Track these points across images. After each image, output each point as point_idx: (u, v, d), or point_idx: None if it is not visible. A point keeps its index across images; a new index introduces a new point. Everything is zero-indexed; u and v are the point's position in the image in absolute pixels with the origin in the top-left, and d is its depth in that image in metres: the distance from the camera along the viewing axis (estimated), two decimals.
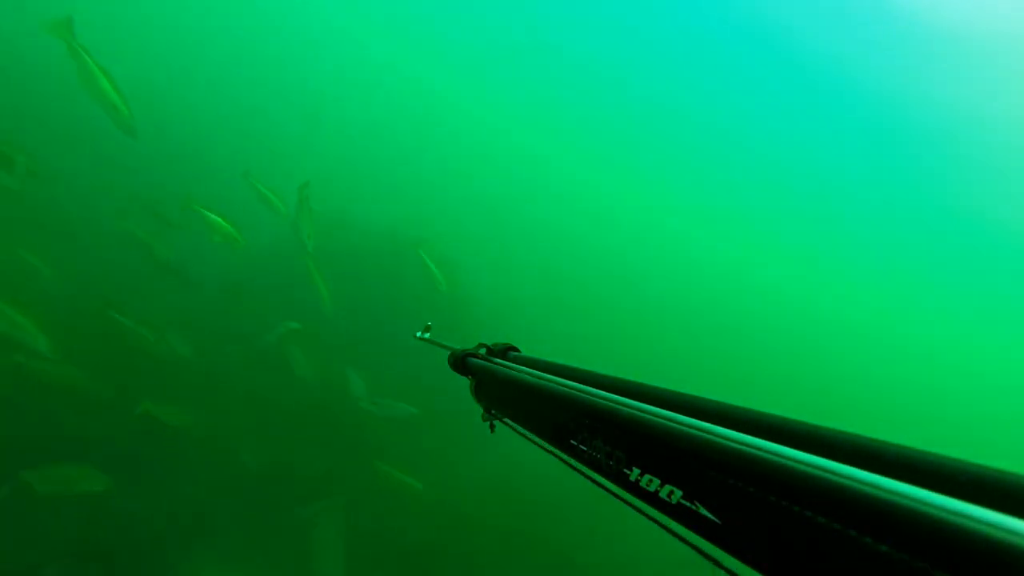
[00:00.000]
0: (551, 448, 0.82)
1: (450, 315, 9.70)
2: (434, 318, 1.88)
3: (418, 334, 1.66)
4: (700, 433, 0.53)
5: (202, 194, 7.28)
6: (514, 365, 1.05)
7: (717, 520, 0.47)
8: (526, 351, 1.21)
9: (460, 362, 1.21)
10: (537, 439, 0.87)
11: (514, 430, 1.00)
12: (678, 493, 0.52)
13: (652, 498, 0.56)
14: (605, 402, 0.70)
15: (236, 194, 8.09)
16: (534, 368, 0.98)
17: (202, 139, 12.24)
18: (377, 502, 6.60)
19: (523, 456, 7.03)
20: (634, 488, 0.59)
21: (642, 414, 0.62)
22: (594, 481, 0.72)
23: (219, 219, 6.94)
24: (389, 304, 9.06)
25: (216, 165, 10.89)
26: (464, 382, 1.20)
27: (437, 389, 7.88)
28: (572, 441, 0.73)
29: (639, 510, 0.65)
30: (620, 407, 0.66)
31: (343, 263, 9.49)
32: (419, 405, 7.90)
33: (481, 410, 1.12)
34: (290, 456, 6.62)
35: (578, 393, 0.76)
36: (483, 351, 1.19)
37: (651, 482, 0.56)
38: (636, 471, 0.58)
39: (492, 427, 1.11)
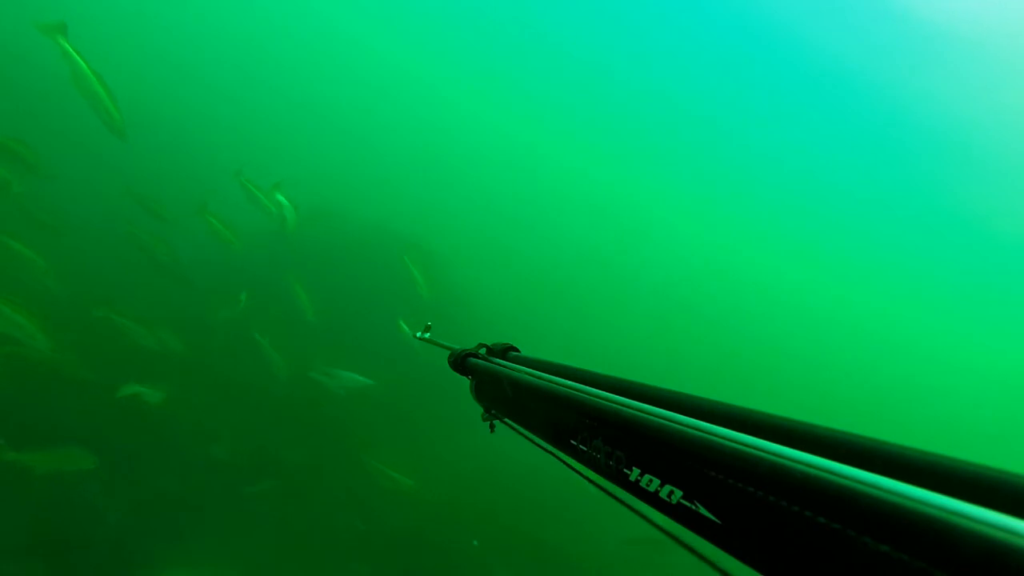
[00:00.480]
0: (551, 448, 0.82)
1: (449, 315, 9.71)
2: (432, 317, 1.88)
3: (418, 334, 1.65)
4: (700, 433, 0.53)
5: (195, 192, 7.30)
6: (514, 365, 1.04)
7: (717, 520, 0.47)
8: (526, 351, 1.21)
9: (460, 362, 1.21)
10: (537, 439, 0.87)
11: (514, 430, 1.00)
12: (678, 493, 0.52)
13: (652, 498, 0.56)
14: (605, 402, 0.70)
15: (229, 192, 8.17)
16: (534, 368, 0.97)
17: (196, 137, 12.24)
18: (369, 497, 6.59)
19: (515, 451, 7.05)
20: (634, 488, 0.59)
21: (642, 414, 0.62)
22: (593, 483, 0.72)
23: (219, 223, 7.11)
24: (388, 302, 9.06)
25: (209, 163, 10.89)
26: (457, 378, 1.20)
27: (435, 387, 7.92)
28: (572, 441, 0.73)
29: (636, 511, 0.65)
30: (620, 407, 0.66)
31: (341, 263, 9.50)
32: (415, 402, 7.92)
33: (481, 410, 1.12)
34: (274, 450, 6.62)
35: (578, 393, 0.76)
36: (483, 351, 1.19)
37: (651, 482, 0.56)
38: (636, 471, 0.59)
39: (492, 427, 1.11)
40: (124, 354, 6.08)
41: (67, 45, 5.17)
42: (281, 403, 7.11)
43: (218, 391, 6.79)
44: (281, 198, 7.57)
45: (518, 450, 7.27)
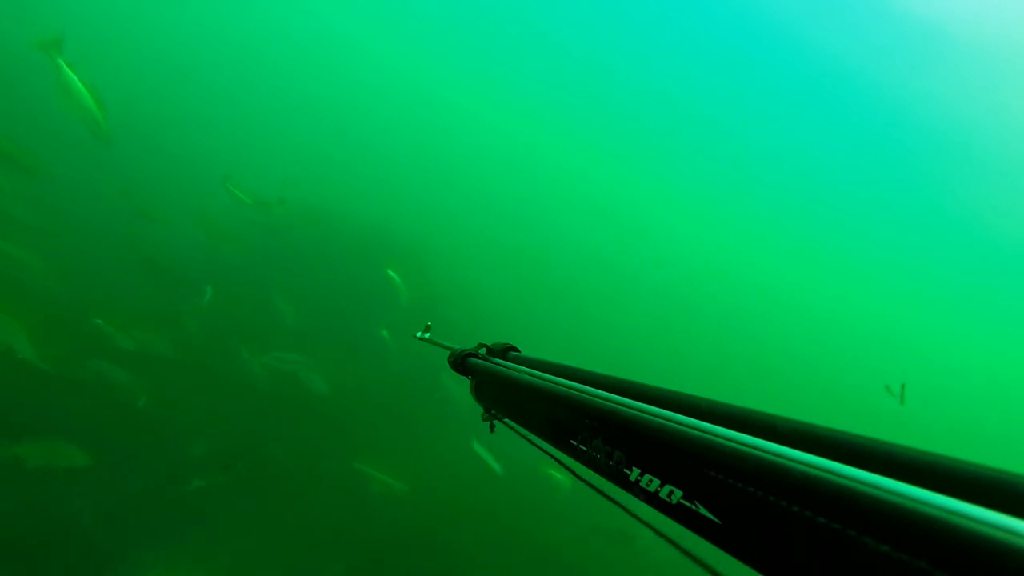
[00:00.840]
0: (550, 449, 0.82)
1: (449, 315, 9.72)
2: (432, 318, 1.88)
3: (418, 334, 1.65)
4: (700, 433, 0.53)
5: (185, 193, 7.30)
6: (514, 365, 1.04)
7: (717, 520, 0.47)
8: (526, 351, 1.21)
9: (460, 362, 1.20)
10: (537, 440, 0.87)
11: (513, 431, 1.00)
12: (678, 493, 0.52)
13: (652, 498, 0.56)
14: (605, 402, 0.70)
15: (219, 196, 8.25)
16: (534, 368, 0.97)
17: (188, 139, 12.18)
18: (357, 497, 6.58)
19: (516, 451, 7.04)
20: (634, 488, 0.59)
21: (642, 414, 0.62)
22: (590, 484, 0.72)
23: (212, 224, 7.23)
24: (387, 302, 9.07)
25: (200, 165, 10.87)
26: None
27: (433, 386, 7.93)
28: (572, 441, 0.73)
29: (631, 512, 0.65)
30: (620, 407, 0.66)
31: (340, 263, 9.51)
32: (400, 400, 7.96)
33: (482, 410, 1.12)
34: (260, 450, 6.60)
35: (578, 393, 0.76)
36: (483, 351, 1.19)
37: (651, 482, 0.56)
38: (636, 471, 0.58)
39: (492, 427, 1.11)
40: (110, 353, 6.05)
41: (60, 59, 5.19)
42: (268, 402, 7.10)
43: (205, 391, 6.78)
44: (275, 204, 7.71)
45: (502, 448, 7.29)
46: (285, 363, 6.99)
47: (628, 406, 0.66)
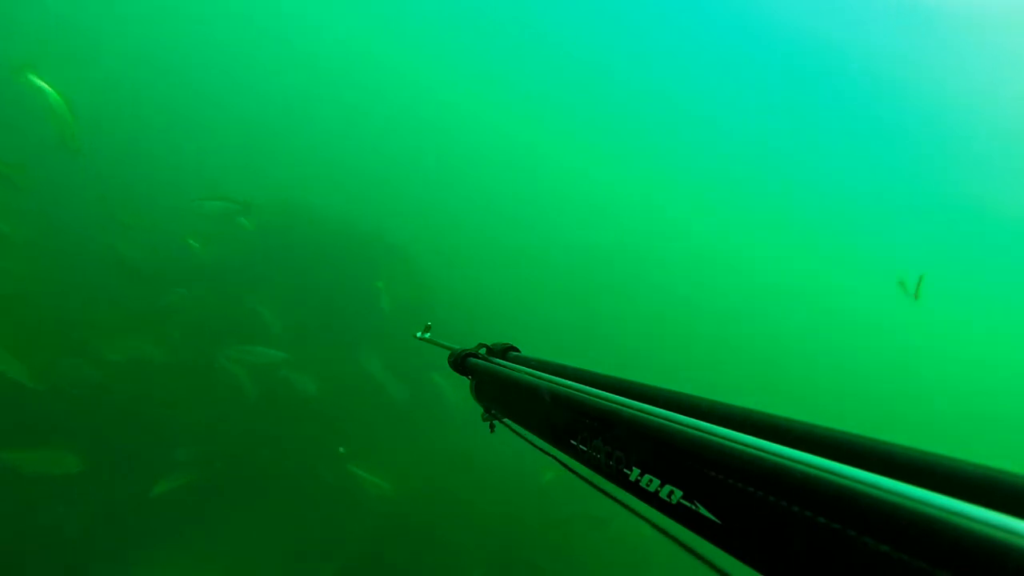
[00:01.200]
0: (550, 449, 0.82)
1: (448, 315, 9.71)
2: (431, 317, 1.88)
3: (418, 334, 1.65)
4: (700, 433, 0.53)
5: (172, 201, 7.30)
6: (514, 365, 1.04)
7: (717, 520, 0.47)
8: (526, 351, 1.21)
9: (460, 362, 1.21)
10: (536, 440, 0.87)
11: (513, 431, 1.00)
12: (678, 493, 0.52)
13: (652, 498, 0.56)
14: (605, 402, 0.70)
15: (210, 199, 8.27)
16: (534, 368, 0.97)
17: (171, 144, 12.07)
18: (345, 499, 6.57)
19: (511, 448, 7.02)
20: (634, 488, 0.59)
21: (642, 414, 0.62)
22: (591, 483, 0.72)
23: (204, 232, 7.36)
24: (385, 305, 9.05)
25: (186, 171, 10.79)
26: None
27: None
28: (572, 441, 0.73)
29: (633, 510, 0.65)
30: (620, 407, 0.66)
31: (340, 263, 9.50)
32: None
33: (482, 410, 1.12)
34: (249, 454, 6.58)
35: (578, 393, 0.76)
36: (483, 351, 1.19)
37: (651, 482, 0.56)
38: (636, 471, 0.58)
39: (492, 427, 1.11)
40: (97, 358, 6.02)
41: (31, 77, 5.21)
42: (263, 402, 7.06)
43: (197, 391, 6.74)
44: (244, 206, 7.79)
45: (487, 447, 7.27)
46: (252, 355, 6.91)
47: (628, 406, 0.66)
